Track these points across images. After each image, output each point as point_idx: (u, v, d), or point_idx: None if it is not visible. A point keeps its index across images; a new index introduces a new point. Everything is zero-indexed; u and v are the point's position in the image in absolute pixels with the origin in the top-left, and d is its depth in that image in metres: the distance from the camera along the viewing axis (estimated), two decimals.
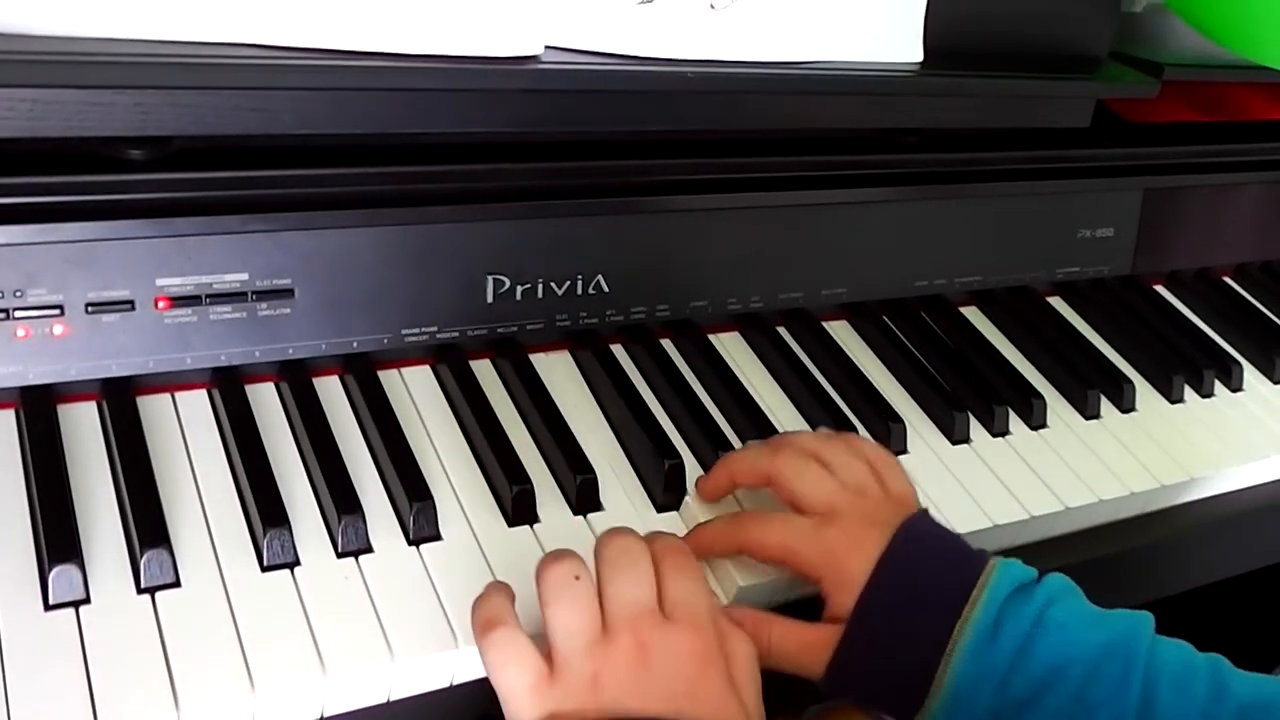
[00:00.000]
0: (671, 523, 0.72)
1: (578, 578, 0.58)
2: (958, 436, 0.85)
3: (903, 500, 0.68)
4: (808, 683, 0.64)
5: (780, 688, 0.62)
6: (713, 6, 0.71)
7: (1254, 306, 1.11)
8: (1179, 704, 0.59)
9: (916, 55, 0.82)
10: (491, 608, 0.58)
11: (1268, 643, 1.24)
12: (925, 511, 0.68)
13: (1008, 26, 0.87)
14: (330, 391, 0.75)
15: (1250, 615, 1.29)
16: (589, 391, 0.81)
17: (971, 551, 0.64)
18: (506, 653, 0.56)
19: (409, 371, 0.78)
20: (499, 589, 0.60)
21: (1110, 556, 0.82)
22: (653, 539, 0.62)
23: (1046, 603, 0.61)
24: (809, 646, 0.63)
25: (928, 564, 0.63)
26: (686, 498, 0.73)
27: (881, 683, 0.62)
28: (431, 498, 0.67)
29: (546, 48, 0.69)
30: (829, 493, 0.67)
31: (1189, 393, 0.96)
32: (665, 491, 0.73)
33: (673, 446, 0.75)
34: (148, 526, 0.62)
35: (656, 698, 0.55)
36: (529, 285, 0.79)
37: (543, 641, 0.57)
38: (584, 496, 0.71)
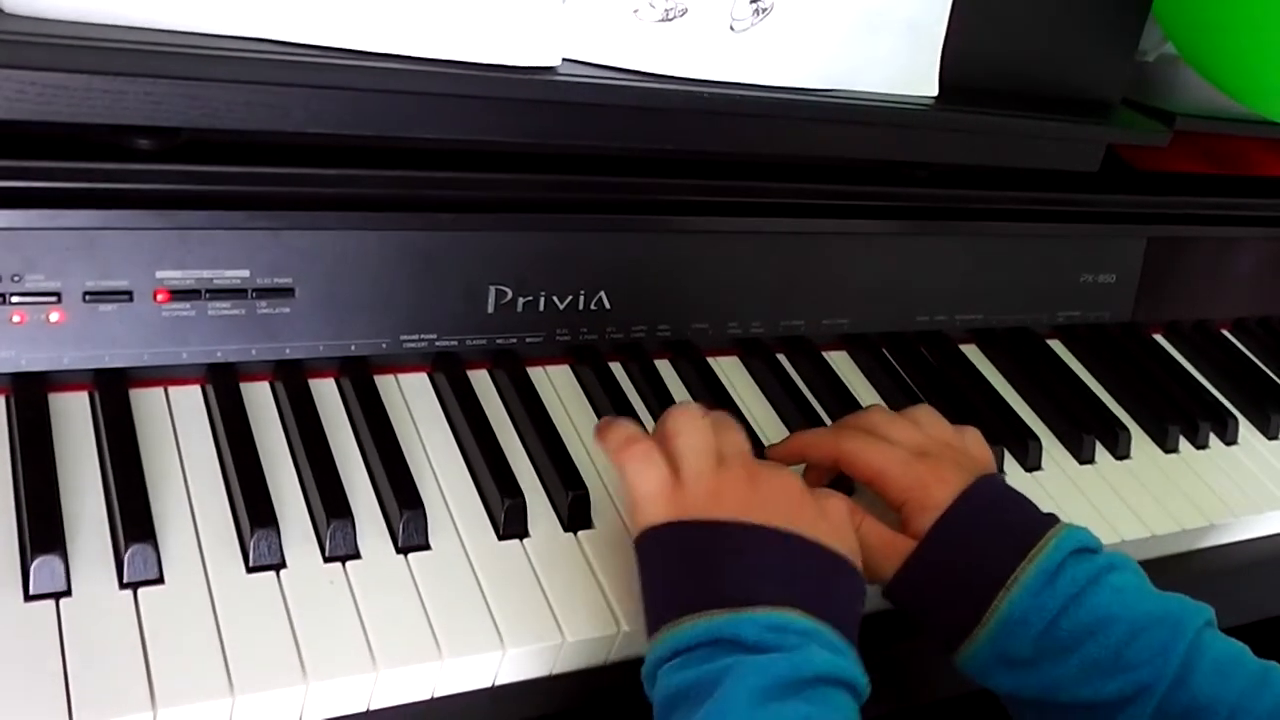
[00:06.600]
0: None
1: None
2: None
3: (983, 461, 0.74)
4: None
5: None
6: (733, 28, 0.71)
7: (1251, 361, 1.10)
8: (1215, 685, 0.62)
9: (932, 90, 0.82)
10: (629, 427, 0.66)
11: None
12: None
13: (1023, 67, 0.87)
14: (325, 394, 0.74)
15: None
16: (586, 407, 0.80)
17: (1043, 513, 0.69)
18: (647, 462, 0.64)
19: (406, 378, 0.77)
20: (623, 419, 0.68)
21: None
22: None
23: (1108, 567, 0.65)
24: (886, 547, 0.68)
25: (1004, 508, 0.69)
26: None
27: (940, 601, 0.67)
28: (422, 506, 0.67)
29: (564, 60, 0.68)
30: (919, 440, 0.72)
31: (1184, 443, 0.96)
32: None
33: None
34: (133, 521, 0.61)
35: (765, 515, 0.62)
36: (531, 297, 0.79)
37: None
38: (576, 513, 0.71)
